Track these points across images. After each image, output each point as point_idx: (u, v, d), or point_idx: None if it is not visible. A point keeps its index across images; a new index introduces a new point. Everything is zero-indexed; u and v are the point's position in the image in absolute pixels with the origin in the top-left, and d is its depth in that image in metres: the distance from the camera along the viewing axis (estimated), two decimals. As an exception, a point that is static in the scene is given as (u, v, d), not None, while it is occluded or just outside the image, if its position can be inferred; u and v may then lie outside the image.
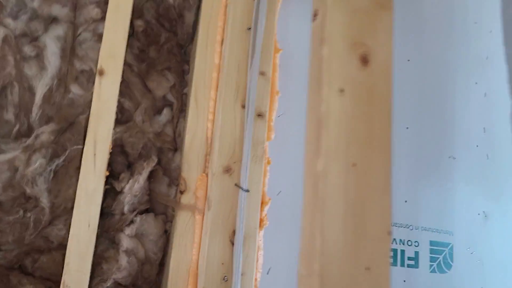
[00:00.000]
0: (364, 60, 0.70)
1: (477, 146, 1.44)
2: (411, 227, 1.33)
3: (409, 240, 1.30)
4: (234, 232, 1.06)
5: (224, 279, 1.03)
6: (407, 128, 1.37)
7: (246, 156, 1.08)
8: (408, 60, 1.44)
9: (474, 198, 1.41)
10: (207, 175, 1.11)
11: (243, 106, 1.11)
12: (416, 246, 1.29)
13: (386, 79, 0.70)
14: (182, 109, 1.15)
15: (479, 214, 1.40)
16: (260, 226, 1.09)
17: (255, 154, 1.10)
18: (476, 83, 1.48)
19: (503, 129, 1.47)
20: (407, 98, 1.41)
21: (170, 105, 1.14)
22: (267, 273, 1.13)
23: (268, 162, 1.15)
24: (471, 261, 1.36)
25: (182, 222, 1.07)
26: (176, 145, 1.13)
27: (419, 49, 1.45)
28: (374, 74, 0.70)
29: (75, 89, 1.04)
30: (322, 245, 0.61)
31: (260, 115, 1.12)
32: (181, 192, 1.09)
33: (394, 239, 1.34)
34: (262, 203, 1.10)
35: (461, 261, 1.34)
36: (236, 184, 1.07)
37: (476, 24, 1.52)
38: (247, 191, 1.07)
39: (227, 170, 1.08)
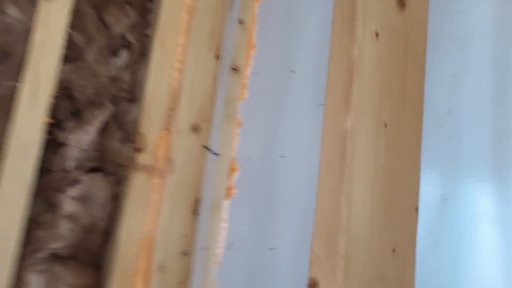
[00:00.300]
0: (401, 2, 0.59)
1: (441, 127, 1.41)
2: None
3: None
4: (197, 200, 0.92)
5: (184, 253, 0.89)
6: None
7: (218, 114, 0.94)
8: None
9: (436, 179, 1.38)
10: (170, 132, 0.95)
11: (217, 57, 0.96)
12: (380, 226, 1.22)
13: (421, 27, 0.59)
14: (143, 53, 0.97)
15: (439, 196, 1.37)
16: (228, 195, 0.96)
17: (228, 113, 0.96)
18: (446, 62, 1.44)
19: (467, 111, 1.44)
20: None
21: (129, 46, 0.96)
22: (231, 249, 1.01)
23: (239, 124, 1.01)
24: (428, 243, 1.33)
25: (137, 186, 0.91)
26: (134, 95, 0.95)
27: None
28: (410, 20, 0.59)
29: (12, 12, 0.83)
30: (349, 220, 0.50)
31: (235, 69, 0.98)
32: (138, 150, 0.92)
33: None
34: (231, 169, 0.96)
35: (420, 243, 1.30)
36: (204, 146, 0.93)
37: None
38: (217, 154, 0.93)
39: (195, 128, 0.93)
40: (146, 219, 0.90)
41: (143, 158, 0.92)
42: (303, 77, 1.14)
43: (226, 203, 0.95)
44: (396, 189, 0.54)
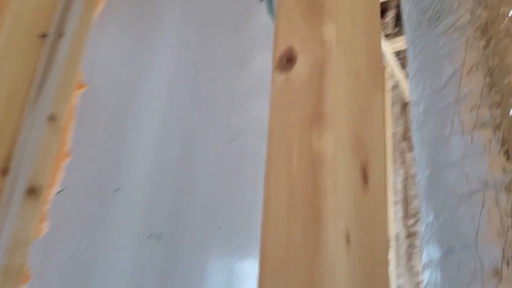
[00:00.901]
0: (364, 176, 0.36)
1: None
2: None
3: None
4: None
5: None
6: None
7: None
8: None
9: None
10: None
11: (4, 172, 0.58)
12: None
13: (384, 212, 0.38)
14: None
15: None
16: None
17: (11, 263, 0.57)
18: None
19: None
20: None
21: None
22: None
23: (26, 279, 0.62)
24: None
25: None
26: None
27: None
28: (374, 202, 0.37)
29: None
30: None
31: (33, 190, 0.61)
32: None
33: None
34: None
35: None
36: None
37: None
38: None
39: None
40: None
41: None
42: (130, 199, 0.82)
43: None
44: None
